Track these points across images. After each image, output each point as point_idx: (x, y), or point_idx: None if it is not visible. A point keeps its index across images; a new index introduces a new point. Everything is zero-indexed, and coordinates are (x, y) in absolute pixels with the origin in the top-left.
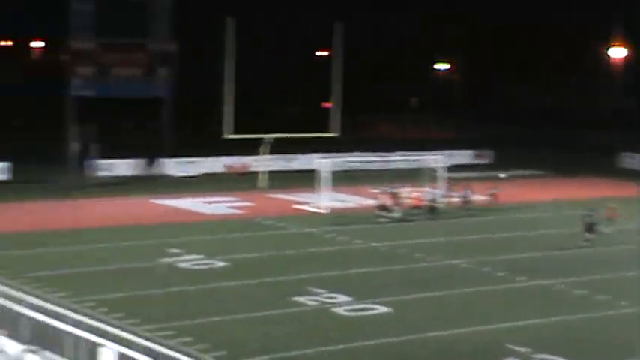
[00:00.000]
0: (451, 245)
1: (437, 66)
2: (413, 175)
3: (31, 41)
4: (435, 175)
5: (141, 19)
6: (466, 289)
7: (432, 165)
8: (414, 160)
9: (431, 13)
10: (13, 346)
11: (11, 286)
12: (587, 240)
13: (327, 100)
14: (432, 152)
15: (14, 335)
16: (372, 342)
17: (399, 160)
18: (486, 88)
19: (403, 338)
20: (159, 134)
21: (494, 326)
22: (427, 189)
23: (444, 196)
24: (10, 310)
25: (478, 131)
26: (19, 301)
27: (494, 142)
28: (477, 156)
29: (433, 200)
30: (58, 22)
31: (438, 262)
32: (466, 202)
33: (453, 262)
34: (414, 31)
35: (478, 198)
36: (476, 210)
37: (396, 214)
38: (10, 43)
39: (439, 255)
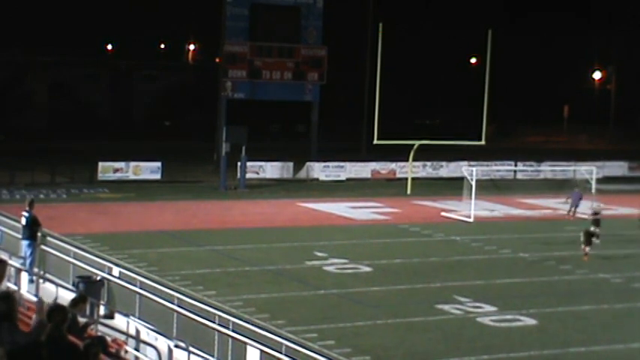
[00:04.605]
0: (601, 259)
1: (594, 75)
2: (562, 186)
3: (186, 44)
4: (586, 187)
5: (293, 25)
6: (615, 305)
7: (584, 176)
8: (563, 171)
9: (589, 18)
10: (163, 341)
11: (162, 283)
12: None
13: (475, 109)
14: (584, 162)
15: (164, 331)
16: (516, 354)
17: (547, 169)
18: None
19: (547, 352)
20: (306, 138)
21: None
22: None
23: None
24: (161, 305)
25: (634, 143)
26: (170, 298)
27: None
28: (631, 168)
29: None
30: (213, 26)
31: (586, 275)
32: None
33: (602, 276)
34: (567, 37)
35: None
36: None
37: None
38: (162, 46)
39: (588, 268)
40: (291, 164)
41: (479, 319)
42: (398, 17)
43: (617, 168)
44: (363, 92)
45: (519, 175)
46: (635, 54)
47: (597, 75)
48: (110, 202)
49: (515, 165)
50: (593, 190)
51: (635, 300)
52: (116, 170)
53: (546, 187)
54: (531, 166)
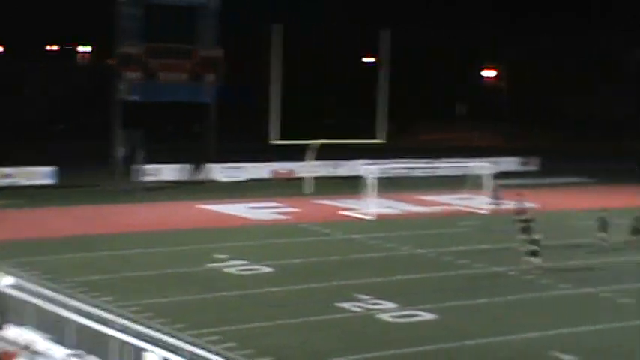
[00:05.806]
0: (496, 252)
1: (483, 73)
2: (458, 182)
3: (78, 46)
4: (481, 182)
5: (188, 26)
6: (510, 297)
7: (478, 172)
8: (459, 167)
9: (479, 18)
10: (58, 351)
11: (57, 291)
12: (602, 239)
13: (374, 108)
14: (478, 159)
15: (60, 340)
16: (417, 349)
17: (444, 166)
18: (534, 97)
19: (448, 345)
20: (204, 140)
21: (540, 333)
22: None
23: (491, 204)
24: (56, 314)
25: (525, 140)
26: (65, 306)
27: (542, 150)
28: (523, 163)
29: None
30: (106, 27)
31: (483, 269)
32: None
33: (497, 269)
34: (462, 37)
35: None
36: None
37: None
38: (55, 48)
39: (484, 262)
40: (189, 166)
41: (379, 316)
42: (297, 17)
43: (510, 164)
44: (263, 92)
45: (417, 173)
46: (521, 53)
47: (490, 73)
48: None
49: (414, 162)
50: (489, 186)
51: (528, 291)
52: (6, 176)
53: (443, 183)
54: (428, 163)
